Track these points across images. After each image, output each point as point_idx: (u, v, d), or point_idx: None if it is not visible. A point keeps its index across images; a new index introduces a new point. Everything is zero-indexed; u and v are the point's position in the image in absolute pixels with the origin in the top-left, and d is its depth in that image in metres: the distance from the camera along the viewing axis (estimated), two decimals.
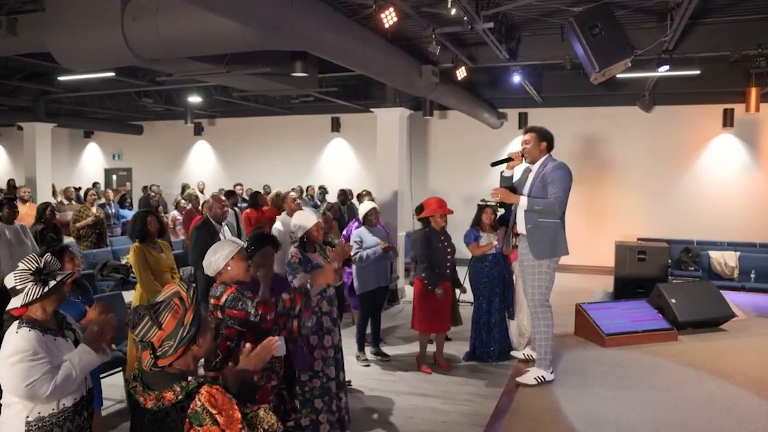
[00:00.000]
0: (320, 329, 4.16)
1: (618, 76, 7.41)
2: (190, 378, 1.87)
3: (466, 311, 6.51)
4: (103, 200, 10.31)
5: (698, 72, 8.49)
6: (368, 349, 6.21)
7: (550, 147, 4.19)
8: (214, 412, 1.74)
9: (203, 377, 1.95)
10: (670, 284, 6.76)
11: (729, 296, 6.18)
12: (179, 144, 16.00)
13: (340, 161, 14.35)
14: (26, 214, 7.89)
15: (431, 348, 6.04)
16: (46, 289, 2.40)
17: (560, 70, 8.91)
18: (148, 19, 4.94)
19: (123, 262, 8.08)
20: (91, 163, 17.42)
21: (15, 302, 2.40)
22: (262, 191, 10.31)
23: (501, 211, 6.69)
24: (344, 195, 10.68)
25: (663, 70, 7.29)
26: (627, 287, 7.99)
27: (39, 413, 2.35)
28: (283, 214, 6.49)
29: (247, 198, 10.30)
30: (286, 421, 3.33)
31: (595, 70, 5.70)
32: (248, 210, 8.13)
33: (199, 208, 9.01)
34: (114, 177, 17.00)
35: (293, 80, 7.94)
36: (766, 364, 4.71)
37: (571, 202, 4.20)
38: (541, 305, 4.15)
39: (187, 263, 6.73)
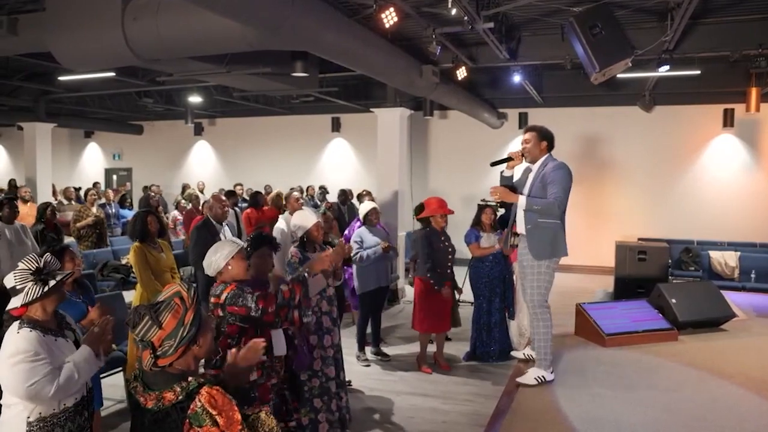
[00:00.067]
0: (320, 329, 4.17)
1: (618, 76, 7.41)
2: (190, 378, 1.86)
3: (467, 311, 6.51)
4: (103, 200, 10.31)
5: (698, 72, 8.49)
6: (368, 349, 6.21)
7: (550, 146, 4.18)
8: (214, 413, 1.74)
9: (203, 375, 1.95)
10: (670, 284, 6.75)
11: (729, 296, 6.18)
12: (179, 144, 16.00)
13: (340, 161, 14.35)
14: (27, 214, 7.90)
15: (431, 348, 6.04)
16: (46, 288, 2.40)
17: (560, 70, 8.91)
18: (149, 19, 4.94)
19: (123, 262, 8.07)
20: (92, 163, 17.43)
21: (15, 302, 2.40)
22: (262, 191, 10.32)
23: (501, 211, 6.68)
24: (344, 195, 10.69)
25: (663, 70, 7.29)
26: (627, 287, 7.98)
27: (40, 413, 2.35)
28: (287, 213, 6.50)
29: (247, 198, 10.31)
30: (287, 421, 3.33)
31: (596, 70, 5.70)
32: (248, 210, 8.13)
33: (200, 208, 9.02)
34: (114, 177, 17.01)
35: (294, 80, 7.94)
36: (767, 364, 4.70)
37: (572, 202, 4.19)
38: (540, 306, 4.14)
39: (188, 263, 6.74)
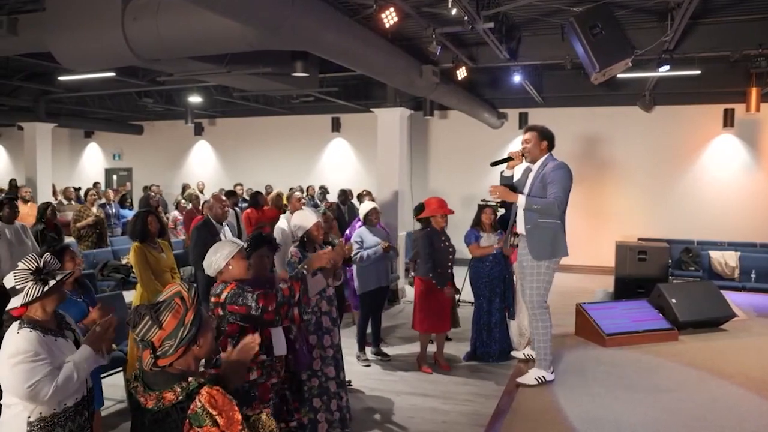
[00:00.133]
0: (319, 329, 4.17)
1: (618, 76, 7.40)
2: (190, 379, 1.86)
3: (467, 311, 6.51)
4: (103, 200, 10.31)
5: (699, 72, 8.49)
6: (369, 349, 6.21)
7: (550, 146, 4.17)
8: (214, 413, 1.74)
9: (203, 375, 1.95)
10: (670, 284, 6.75)
11: (729, 296, 6.17)
12: (179, 144, 16.00)
13: (340, 161, 14.35)
14: (27, 214, 7.90)
15: (432, 348, 6.04)
16: (46, 288, 2.40)
17: (561, 70, 8.91)
18: (149, 19, 4.94)
19: (123, 262, 8.08)
20: (92, 163, 17.43)
21: (15, 302, 2.40)
22: (263, 191, 10.32)
23: (501, 212, 6.69)
24: (344, 195, 10.69)
25: (663, 70, 7.29)
26: (627, 287, 7.98)
27: (41, 413, 2.35)
28: (288, 213, 6.51)
29: (247, 198, 10.31)
30: (288, 421, 3.33)
31: (596, 70, 5.70)
32: (249, 210, 8.14)
33: (200, 208, 9.02)
34: (114, 177, 17.02)
35: (294, 80, 7.94)
36: (767, 364, 4.70)
37: (572, 202, 4.19)
38: (540, 306, 4.12)
39: (188, 263, 6.74)
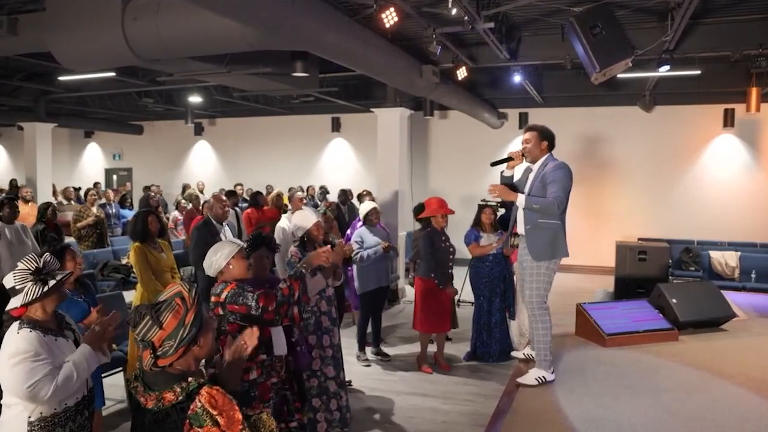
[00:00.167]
0: (319, 329, 4.17)
1: (618, 76, 7.40)
2: (190, 379, 1.86)
3: (467, 311, 6.51)
4: (103, 200, 10.31)
5: (699, 72, 8.49)
6: (369, 349, 6.21)
7: (551, 146, 4.17)
8: (214, 413, 1.74)
9: (203, 374, 1.95)
10: (670, 284, 6.75)
11: (730, 296, 6.18)
12: (180, 144, 16.00)
13: (340, 161, 14.35)
14: (28, 214, 7.90)
15: (432, 348, 6.04)
16: (46, 288, 2.39)
17: (561, 70, 8.91)
18: (149, 19, 4.94)
19: (123, 262, 8.08)
20: (92, 163, 17.43)
21: (14, 302, 2.39)
22: (264, 191, 10.32)
23: (501, 212, 6.69)
24: (344, 195, 10.69)
25: (663, 70, 7.29)
26: (627, 287, 7.98)
27: (41, 413, 2.35)
28: (290, 213, 6.51)
29: (247, 198, 10.31)
30: (289, 421, 3.33)
31: (596, 70, 5.70)
32: (249, 210, 8.14)
33: (200, 208, 9.02)
34: (114, 177, 17.02)
35: (294, 80, 7.94)
36: (767, 364, 4.70)
37: (572, 202, 4.18)
38: (540, 307, 4.11)
39: (188, 263, 6.74)
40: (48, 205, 7.56)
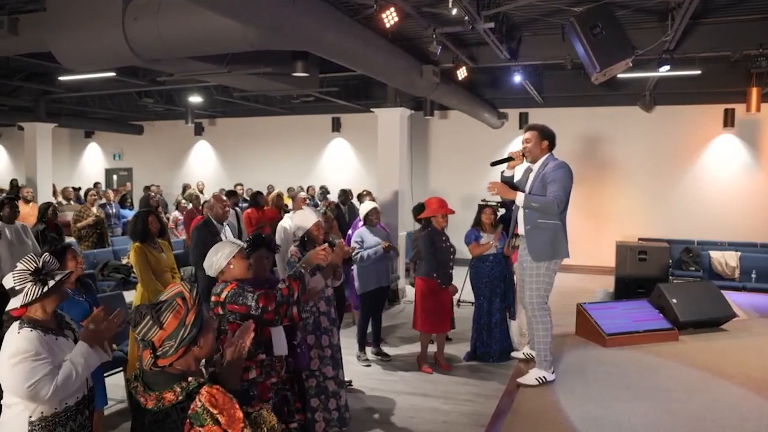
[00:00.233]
0: (318, 329, 4.18)
1: (619, 76, 7.40)
2: (190, 379, 1.86)
3: (467, 311, 6.51)
4: (103, 200, 10.31)
5: (699, 72, 8.49)
6: (369, 349, 6.21)
7: (551, 146, 4.17)
8: (215, 412, 1.74)
9: (203, 369, 1.95)
10: (670, 284, 6.76)
11: (730, 296, 6.18)
12: (180, 144, 16.00)
13: (340, 161, 14.35)
14: (28, 214, 7.91)
15: (432, 348, 6.04)
16: (46, 288, 2.39)
17: (561, 70, 8.91)
18: (150, 19, 4.94)
19: (124, 262, 8.08)
20: (92, 163, 17.44)
21: (14, 303, 2.39)
22: (264, 191, 10.32)
23: (501, 211, 6.69)
24: (345, 195, 10.69)
25: (664, 70, 7.29)
26: (628, 287, 7.98)
27: (42, 413, 2.35)
28: (292, 212, 6.51)
29: (247, 198, 10.31)
30: (289, 422, 3.33)
31: (596, 70, 5.70)
32: (249, 210, 8.14)
33: (200, 208, 9.02)
34: (115, 177, 17.02)
35: (294, 80, 7.94)
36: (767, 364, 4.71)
37: (572, 202, 4.18)
38: (540, 308, 4.11)
39: (188, 263, 6.74)
40: (48, 205, 7.57)
